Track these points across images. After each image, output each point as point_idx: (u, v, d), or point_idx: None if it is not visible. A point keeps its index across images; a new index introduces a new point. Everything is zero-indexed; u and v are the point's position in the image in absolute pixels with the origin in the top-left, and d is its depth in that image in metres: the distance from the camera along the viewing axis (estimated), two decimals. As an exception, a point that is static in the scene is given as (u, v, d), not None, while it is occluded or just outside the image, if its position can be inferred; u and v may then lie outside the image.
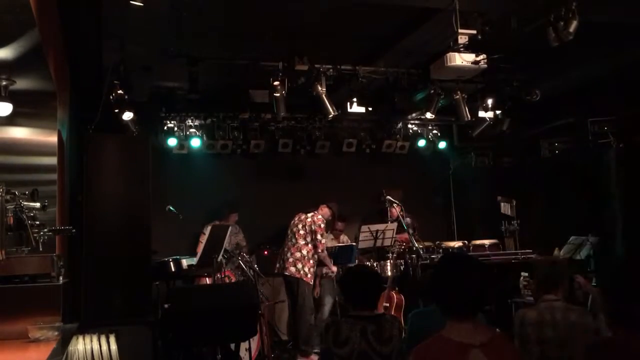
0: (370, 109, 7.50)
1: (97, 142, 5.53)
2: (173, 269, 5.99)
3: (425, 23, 5.80)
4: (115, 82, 6.07)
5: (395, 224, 7.29)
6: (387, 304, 6.79)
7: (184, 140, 8.06)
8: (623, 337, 2.31)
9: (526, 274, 5.65)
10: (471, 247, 8.12)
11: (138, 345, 4.87)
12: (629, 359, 2.25)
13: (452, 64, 5.61)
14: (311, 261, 6.88)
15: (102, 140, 5.57)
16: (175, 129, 8.03)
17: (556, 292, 3.45)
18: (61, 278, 3.12)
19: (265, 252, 8.15)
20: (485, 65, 5.72)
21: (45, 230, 2.98)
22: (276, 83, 6.63)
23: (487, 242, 8.29)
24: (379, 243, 7.15)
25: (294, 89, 6.78)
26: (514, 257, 7.23)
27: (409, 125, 9.18)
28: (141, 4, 4.38)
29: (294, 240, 7.01)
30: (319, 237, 6.94)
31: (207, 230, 6.09)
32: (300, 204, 7.89)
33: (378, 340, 3.14)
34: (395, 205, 7.53)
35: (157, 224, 5.94)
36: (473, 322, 2.21)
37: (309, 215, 7.09)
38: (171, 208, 6.70)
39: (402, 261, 7.23)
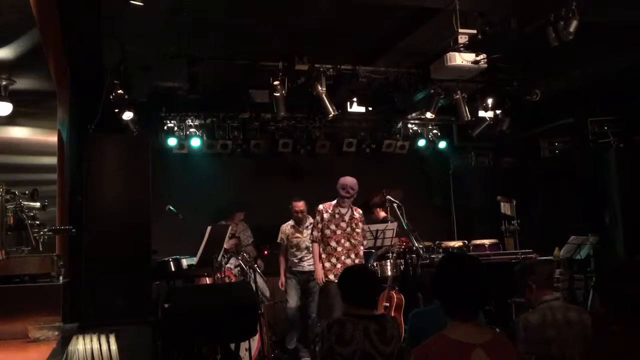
0: (370, 109, 7.50)
1: (97, 142, 5.53)
2: (173, 269, 5.99)
3: (425, 23, 5.80)
4: (115, 82, 6.07)
5: (395, 224, 7.27)
6: (387, 304, 6.78)
7: (184, 140, 8.06)
8: (622, 334, 2.31)
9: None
10: (471, 247, 8.11)
11: (138, 345, 4.87)
12: (628, 356, 2.25)
13: (452, 63, 5.61)
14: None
15: (102, 140, 5.57)
16: (175, 128, 8.03)
17: (552, 292, 3.47)
18: (61, 278, 3.12)
19: (265, 252, 8.15)
20: (485, 65, 5.72)
21: (45, 230, 2.98)
22: (276, 83, 6.63)
23: (487, 242, 8.28)
24: (379, 243, 7.14)
25: (294, 89, 6.78)
26: (514, 257, 7.22)
27: (409, 125, 9.18)
28: (141, 4, 4.38)
29: None
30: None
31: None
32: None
33: (381, 340, 3.14)
34: (394, 205, 7.51)
35: (157, 224, 5.94)
36: (475, 321, 2.22)
37: None
38: (171, 208, 6.69)
39: (402, 261, 7.22)
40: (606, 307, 2.37)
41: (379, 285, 3.48)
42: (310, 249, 6.63)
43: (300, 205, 7.15)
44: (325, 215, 6.30)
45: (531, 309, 3.50)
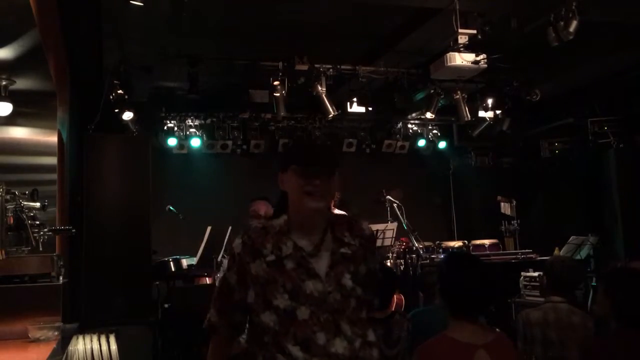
0: (370, 109, 7.50)
1: (97, 142, 5.54)
2: (173, 269, 5.98)
3: (425, 23, 5.80)
4: (115, 82, 6.08)
5: (395, 224, 7.27)
6: (387, 304, 6.77)
7: (184, 140, 8.06)
8: (623, 335, 2.31)
9: (530, 274, 5.65)
10: (471, 247, 8.10)
11: (138, 345, 4.87)
12: (628, 356, 2.25)
13: (452, 64, 5.62)
14: None
15: (102, 140, 5.58)
16: (175, 129, 8.03)
17: (564, 295, 3.42)
18: (61, 278, 3.11)
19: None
20: (485, 65, 5.73)
21: (45, 230, 2.98)
22: (276, 83, 6.64)
23: (487, 242, 8.28)
24: (379, 243, 7.13)
25: (294, 89, 6.78)
26: (514, 257, 7.22)
27: (409, 125, 9.18)
28: (141, 4, 4.38)
29: None
30: None
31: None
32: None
33: (385, 344, 3.11)
34: (394, 205, 7.51)
35: (157, 224, 5.94)
36: (477, 322, 2.22)
37: None
38: (171, 208, 6.69)
39: (402, 261, 7.22)
40: (611, 306, 2.35)
41: (392, 288, 3.36)
42: None
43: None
44: None
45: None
